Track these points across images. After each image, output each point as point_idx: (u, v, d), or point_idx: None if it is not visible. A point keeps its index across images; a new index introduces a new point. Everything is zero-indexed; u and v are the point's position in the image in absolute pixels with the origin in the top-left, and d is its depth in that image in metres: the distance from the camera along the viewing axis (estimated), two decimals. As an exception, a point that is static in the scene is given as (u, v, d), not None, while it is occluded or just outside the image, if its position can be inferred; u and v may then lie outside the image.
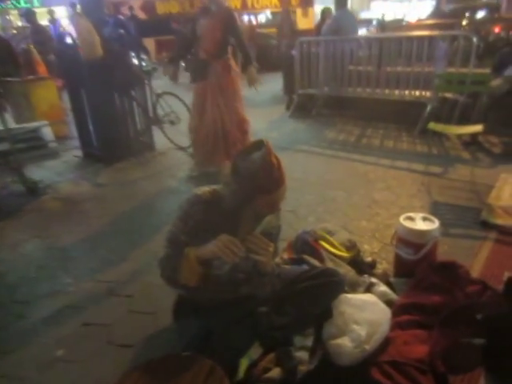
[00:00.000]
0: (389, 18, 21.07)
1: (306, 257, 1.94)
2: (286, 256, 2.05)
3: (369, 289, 1.73)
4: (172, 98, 4.65)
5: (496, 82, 4.23)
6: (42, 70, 6.09)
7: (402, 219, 2.01)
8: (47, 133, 3.79)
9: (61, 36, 4.28)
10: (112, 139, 4.37)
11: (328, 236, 2.13)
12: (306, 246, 2.04)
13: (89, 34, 3.80)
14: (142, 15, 17.72)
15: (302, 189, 3.34)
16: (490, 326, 1.32)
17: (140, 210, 3.20)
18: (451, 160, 3.84)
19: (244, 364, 1.36)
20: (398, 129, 5.04)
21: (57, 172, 4.23)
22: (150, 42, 18.10)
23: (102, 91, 4.15)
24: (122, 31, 4.27)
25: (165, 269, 1.45)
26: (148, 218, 3.00)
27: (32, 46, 6.36)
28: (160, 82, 4.94)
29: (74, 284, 2.25)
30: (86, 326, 1.91)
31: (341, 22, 5.80)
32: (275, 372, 1.31)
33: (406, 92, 5.01)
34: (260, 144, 1.32)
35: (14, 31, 7.67)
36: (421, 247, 1.91)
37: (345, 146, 4.52)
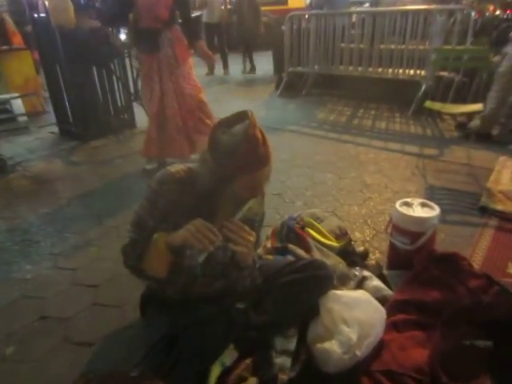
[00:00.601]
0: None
1: (291, 246, 1.74)
2: (269, 245, 1.86)
3: (361, 283, 1.55)
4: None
5: (494, 59, 4.04)
6: (17, 40, 5.67)
7: (398, 205, 1.82)
8: (17, 106, 3.48)
9: (32, 3, 3.89)
10: (89, 115, 4.08)
11: (316, 223, 1.93)
12: (292, 233, 1.84)
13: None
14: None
15: (290, 171, 3.13)
16: (500, 328, 1.14)
17: (114, 191, 2.95)
18: (446, 142, 3.66)
19: (215, 371, 1.16)
20: (390, 109, 4.84)
21: (29, 149, 3.95)
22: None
23: (77, 64, 3.84)
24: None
25: (129, 256, 1.24)
26: (122, 200, 2.76)
27: (6, 16, 5.92)
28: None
29: (34, 271, 2.02)
30: (42, 319, 1.69)
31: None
32: (251, 382, 1.12)
33: (400, 71, 4.78)
34: (243, 115, 1.11)
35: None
36: (419, 236, 1.73)
37: (335, 127, 4.29)
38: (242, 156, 1.07)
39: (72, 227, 2.44)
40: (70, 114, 4.17)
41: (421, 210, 1.78)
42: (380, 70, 4.94)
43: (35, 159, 3.69)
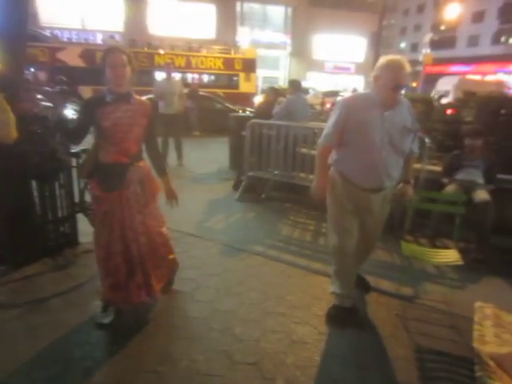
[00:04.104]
0: (325, 88, 22.79)
1: None
2: None
3: None
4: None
5: (450, 188, 4.15)
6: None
7: None
8: None
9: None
10: (22, 234, 3.48)
11: None
12: None
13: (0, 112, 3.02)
14: (79, 63, 16.86)
15: (264, 321, 2.74)
16: None
17: (45, 370, 2.31)
18: (418, 277, 3.49)
19: None
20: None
21: None
22: (87, 90, 17.23)
23: (13, 179, 3.34)
24: (49, 104, 3.55)
25: None
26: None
27: None
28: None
29: None
30: None
31: (294, 105, 5.66)
32: None
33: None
34: None
35: None
36: None
37: (302, 249, 4.01)
38: None
39: None
40: (-2, 230, 3.55)
41: None
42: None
43: None
